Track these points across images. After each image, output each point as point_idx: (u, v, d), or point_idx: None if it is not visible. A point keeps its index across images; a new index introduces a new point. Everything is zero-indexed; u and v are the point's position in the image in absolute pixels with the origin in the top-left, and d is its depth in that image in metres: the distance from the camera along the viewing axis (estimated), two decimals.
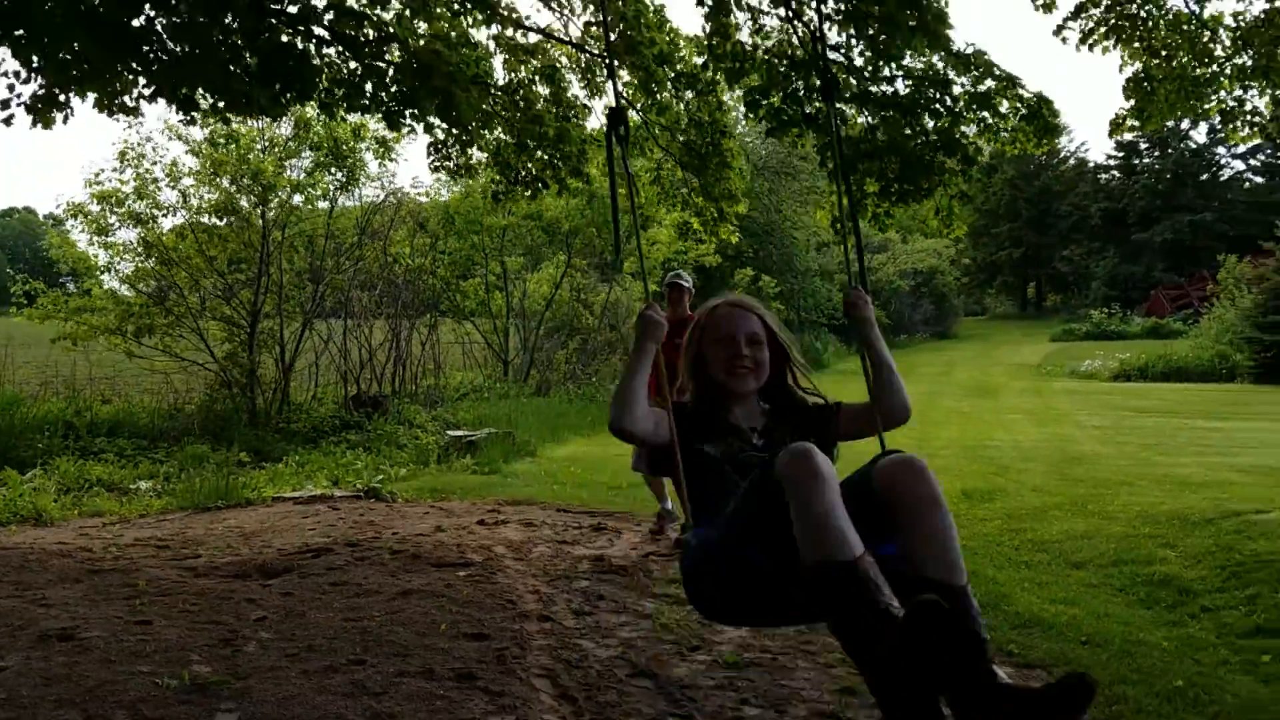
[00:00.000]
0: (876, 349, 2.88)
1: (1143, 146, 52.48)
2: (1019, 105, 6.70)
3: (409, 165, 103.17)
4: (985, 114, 6.57)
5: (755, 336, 2.83)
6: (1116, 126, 8.43)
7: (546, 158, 8.00)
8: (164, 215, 12.42)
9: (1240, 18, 7.61)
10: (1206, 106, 7.91)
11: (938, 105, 6.50)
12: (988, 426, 13.79)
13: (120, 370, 13.67)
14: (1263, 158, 50.42)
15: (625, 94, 8.19)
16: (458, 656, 3.81)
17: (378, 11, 5.67)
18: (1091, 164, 57.27)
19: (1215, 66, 7.68)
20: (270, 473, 9.57)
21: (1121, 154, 54.23)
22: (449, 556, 5.76)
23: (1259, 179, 51.44)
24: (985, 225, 54.61)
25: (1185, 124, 46.50)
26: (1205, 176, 51.57)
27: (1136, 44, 8.05)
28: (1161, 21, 7.91)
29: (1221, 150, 50.91)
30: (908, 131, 6.68)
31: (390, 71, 5.63)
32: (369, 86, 5.66)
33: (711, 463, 2.65)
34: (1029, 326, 47.39)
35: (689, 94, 8.16)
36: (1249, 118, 7.88)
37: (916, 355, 31.77)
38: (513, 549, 6.10)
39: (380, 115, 5.93)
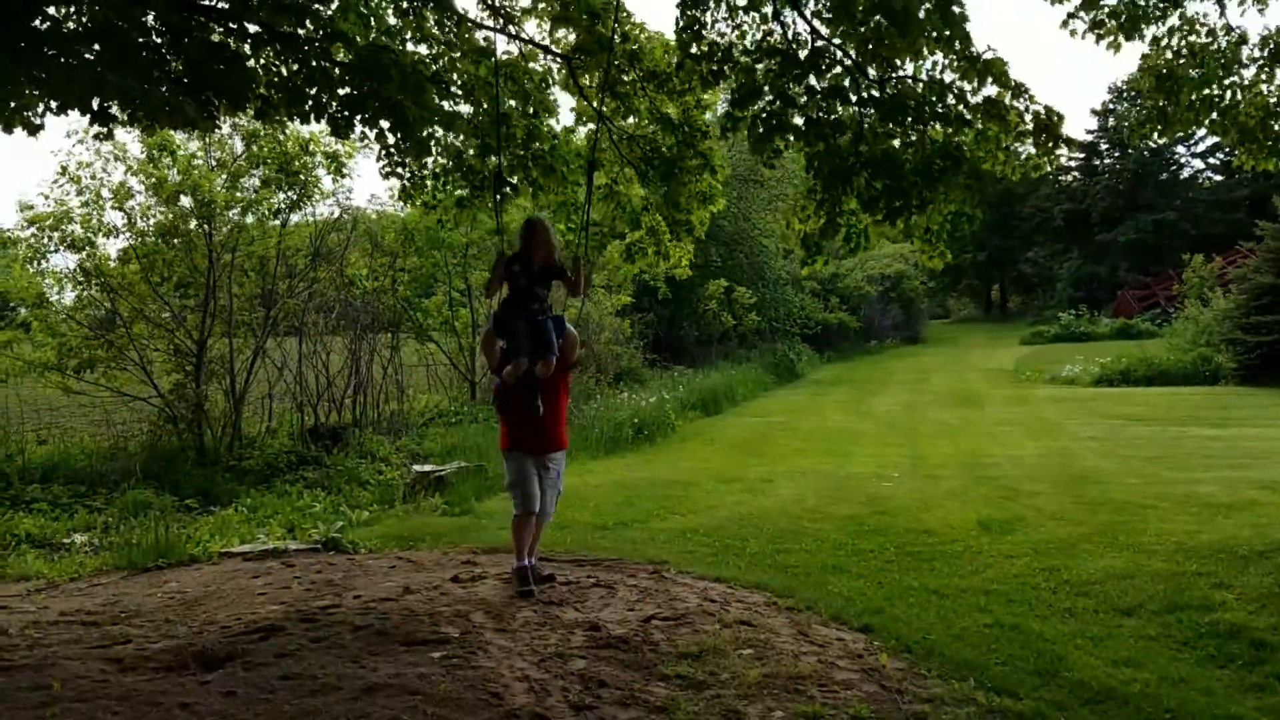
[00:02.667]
0: None
1: (1103, 147, 52.56)
2: (1026, 117, 5.95)
3: (365, 182, 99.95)
4: (994, 125, 5.84)
5: None
6: (1136, 131, 7.81)
7: (515, 159, 7.26)
8: (106, 238, 11.45)
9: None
10: (1227, 113, 7.21)
11: (947, 111, 5.75)
12: (980, 440, 13.20)
13: (58, 405, 12.71)
14: (1221, 156, 50.60)
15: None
16: None
17: (317, 6, 4.90)
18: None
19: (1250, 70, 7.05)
20: (219, 520, 8.70)
21: (1082, 155, 54.22)
22: (420, 630, 5.00)
23: (1218, 177, 51.57)
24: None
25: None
26: (1165, 176, 51.60)
27: (1151, 40, 7.47)
28: (1178, 18, 7.34)
29: (1181, 149, 51.05)
30: (907, 139, 5.93)
31: (337, 73, 4.88)
32: (312, 90, 4.89)
33: None
34: (995, 329, 47.14)
35: (660, 95, 7.44)
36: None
37: (890, 362, 31.26)
38: (493, 615, 5.34)
39: (326, 122, 5.16)
